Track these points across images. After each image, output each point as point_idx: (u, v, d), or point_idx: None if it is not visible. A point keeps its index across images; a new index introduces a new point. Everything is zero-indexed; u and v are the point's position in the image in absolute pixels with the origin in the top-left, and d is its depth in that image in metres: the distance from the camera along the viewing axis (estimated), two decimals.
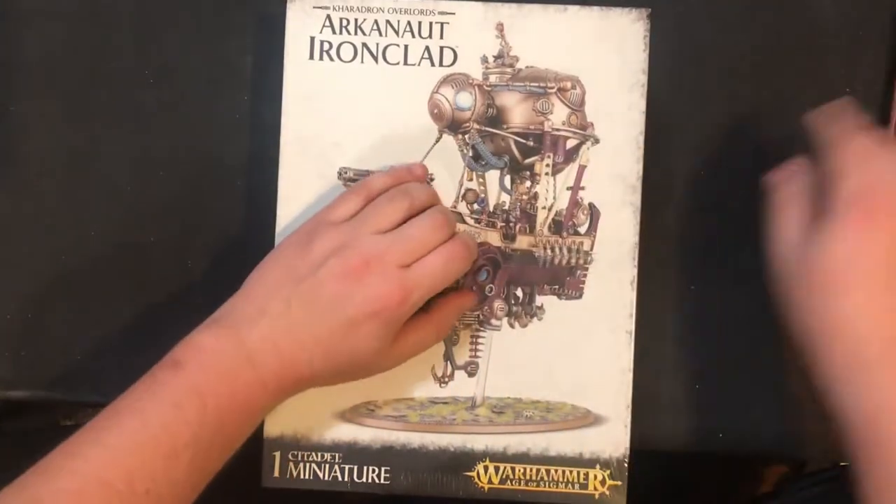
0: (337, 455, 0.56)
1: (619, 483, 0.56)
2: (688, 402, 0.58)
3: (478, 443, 0.56)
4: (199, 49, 0.59)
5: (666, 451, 0.58)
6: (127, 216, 0.59)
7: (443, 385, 0.56)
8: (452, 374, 0.56)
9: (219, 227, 0.59)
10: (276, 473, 0.56)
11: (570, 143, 0.56)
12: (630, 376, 0.55)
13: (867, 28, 0.59)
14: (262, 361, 0.48)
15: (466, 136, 0.56)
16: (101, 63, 0.60)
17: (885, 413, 0.43)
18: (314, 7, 0.56)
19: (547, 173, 0.56)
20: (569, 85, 0.56)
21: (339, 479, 0.56)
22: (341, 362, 0.50)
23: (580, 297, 0.56)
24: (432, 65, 0.56)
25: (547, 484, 0.56)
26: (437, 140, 0.56)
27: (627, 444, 0.56)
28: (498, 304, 0.56)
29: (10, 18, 0.60)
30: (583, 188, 0.56)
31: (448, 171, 0.56)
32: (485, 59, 0.56)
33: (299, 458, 0.56)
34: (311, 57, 0.56)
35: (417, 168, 0.55)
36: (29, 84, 0.60)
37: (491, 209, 0.56)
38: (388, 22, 0.56)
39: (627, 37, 0.55)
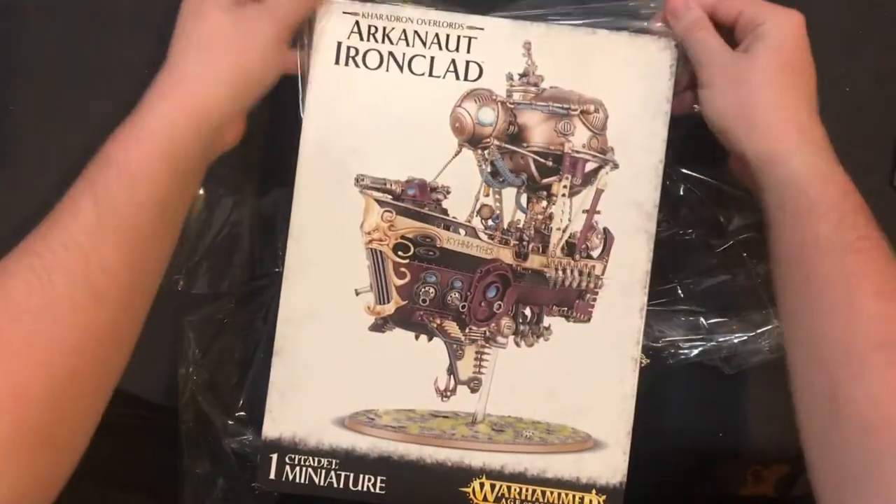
0: (334, 461, 0.55)
1: None
2: (688, 403, 0.58)
3: (475, 459, 0.56)
4: None
5: (666, 451, 0.58)
6: None
7: (445, 399, 0.56)
8: (455, 388, 0.56)
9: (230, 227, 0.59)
10: (272, 475, 0.56)
11: (589, 166, 0.56)
12: (632, 403, 0.55)
13: (867, 28, 0.58)
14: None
15: (486, 152, 0.56)
16: (102, 63, 0.59)
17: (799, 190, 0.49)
18: (344, 13, 0.55)
19: (564, 194, 0.56)
20: (592, 108, 0.56)
21: (335, 485, 0.56)
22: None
23: (588, 320, 0.56)
24: (457, 78, 0.56)
25: None
26: (457, 154, 0.56)
27: (625, 471, 0.55)
28: (505, 322, 0.56)
29: (10, 18, 0.59)
30: (598, 212, 0.56)
31: (465, 186, 0.56)
32: (510, 77, 0.56)
33: (296, 462, 0.56)
34: (337, 62, 0.56)
35: None
36: (29, 84, 0.60)
37: (505, 226, 0.56)
38: (416, 32, 0.55)
39: (654, 65, 0.55)
